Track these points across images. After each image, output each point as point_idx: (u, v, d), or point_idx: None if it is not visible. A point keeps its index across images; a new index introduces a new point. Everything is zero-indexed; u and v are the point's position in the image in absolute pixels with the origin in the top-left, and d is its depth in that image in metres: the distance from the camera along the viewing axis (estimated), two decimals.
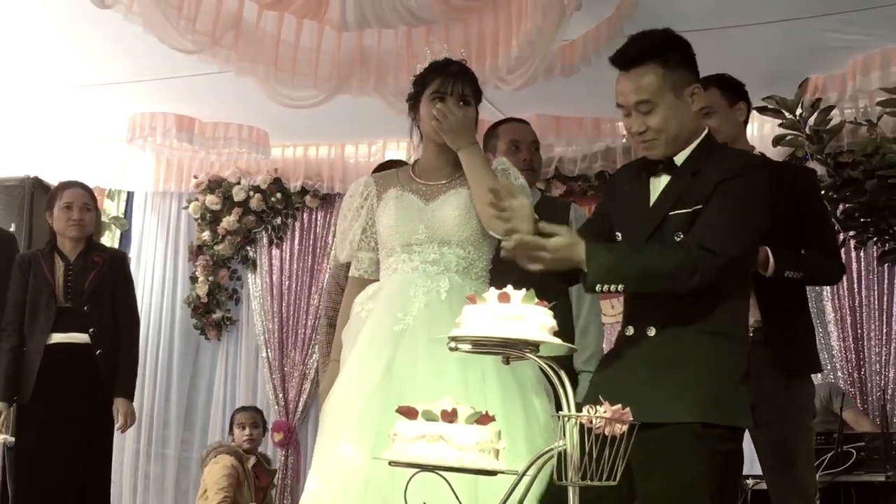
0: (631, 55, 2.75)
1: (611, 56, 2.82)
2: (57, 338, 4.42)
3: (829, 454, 4.31)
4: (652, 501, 2.61)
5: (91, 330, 4.43)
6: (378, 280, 3.14)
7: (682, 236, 2.65)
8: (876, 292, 6.15)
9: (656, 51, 2.73)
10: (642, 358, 2.66)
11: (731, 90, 3.63)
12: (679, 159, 2.77)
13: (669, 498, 2.57)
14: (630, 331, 2.71)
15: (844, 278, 6.10)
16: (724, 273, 2.64)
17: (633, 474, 2.55)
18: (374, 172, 3.50)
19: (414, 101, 3.17)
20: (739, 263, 2.73)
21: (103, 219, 6.90)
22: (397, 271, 3.04)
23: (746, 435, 3.50)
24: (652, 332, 2.67)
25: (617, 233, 2.82)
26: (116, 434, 4.59)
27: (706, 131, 2.83)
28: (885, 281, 6.09)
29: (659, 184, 2.79)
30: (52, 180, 6.39)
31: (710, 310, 2.68)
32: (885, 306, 6.12)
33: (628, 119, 2.78)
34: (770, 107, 4.05)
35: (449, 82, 3.08)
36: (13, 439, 4.77)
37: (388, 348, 2.89)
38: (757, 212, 2.73)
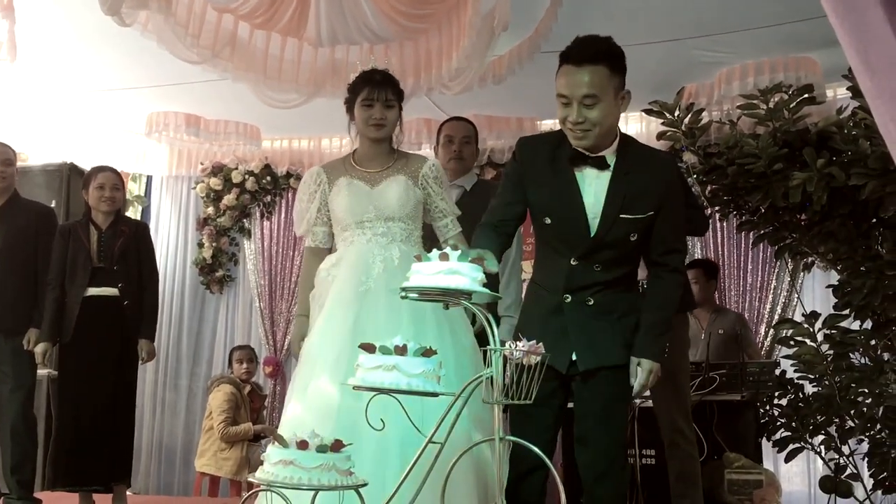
0: (587, 54, 2.54)
1: (565, 52, 2.59)
2: (92, 291, 4.35)
3: (699, 378, 4.37)
4: (590, 409, 2.65)
5: (119, 285, 4.37)
6: (329, 248, 3.19)
7: (636, 237, 2.61)
8: (735, 254, 6.26)
9: (607, 54, 2.57)
10: (584, 317, 2.66)
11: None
12: (610, 159, 2.62)
13: (605, 408, 2.64)
14: (569, 298, 2.66)
15: (711, 243, 6.22)
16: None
17: (574, 391, 2.65)
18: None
19: (349, 105, 3.18)
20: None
21: (128, 197, 6.81)
22: (353, 243, 3.06)
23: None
24: (591, 301, 2.66)
25: (546, 218, 2.67)
26: (139, 367, 4.54)
27: (619, 136, 2.67)
28: (742, 245, 6.19)
29: (587, 177, 2.62)
30: (85, 166, 6.29)
31: (626, 279, 2.72)
32: (741, 265, 6.22)
33: (567, 108, 2.55)
34: (655, 109, 4.06)
35: (375, 90, 3.09)
36: (56, 373, 4.73)
37: (355, 305, 2.92)
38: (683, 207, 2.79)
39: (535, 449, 2.21)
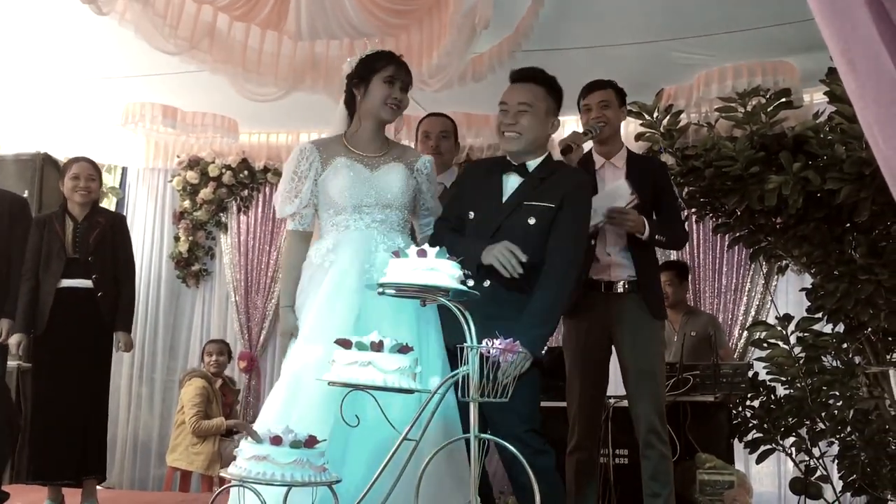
0: (528, 74, 2.98)
1: (513, 71, 3.04)
2: (66, 283, 4.29)
3: (672, 379, 4.38)
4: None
5: (94, 276, 4.31)
6: (310, 232, 3.00)
7: (533, 221, 2.84)
8: (710, 256, 6.29)
9: (545, 81, 2.98)
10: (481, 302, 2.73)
11: (622, 95, 3.66)
12: (531, 166, 2.93)
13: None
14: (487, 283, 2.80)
15: (686, 245, 6.24)
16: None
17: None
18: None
19: (359, 81, 3.00)
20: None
21: (102, 188, 6.72)
22: (349, 228, 2.90)
23: (614, 361, 3.57)
24: (487, 283, 2.78)
25: (470, 212, 2.96)
26: (113, 360, 4.48)
27: (548, 154, 3.00)
28: (717, 247, 6.22)
29: (509, 181, 2.95)
30: (59, 156, 6.22)
31: (533, 268, 2.82)
32: (716, 266, 6.25)
33: (505, 115, 2.94)
34: (634, 110, 4.07)
35: (401, 70, 3.01)
36: (29, 365, 4.66)
37: (358, 296, 2.74)
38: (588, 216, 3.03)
39: (511, 448, 2.20)
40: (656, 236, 3.42)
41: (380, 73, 2.97)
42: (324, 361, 2.44)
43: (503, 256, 2.72)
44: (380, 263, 2.72)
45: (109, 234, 4.41)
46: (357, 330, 2.58)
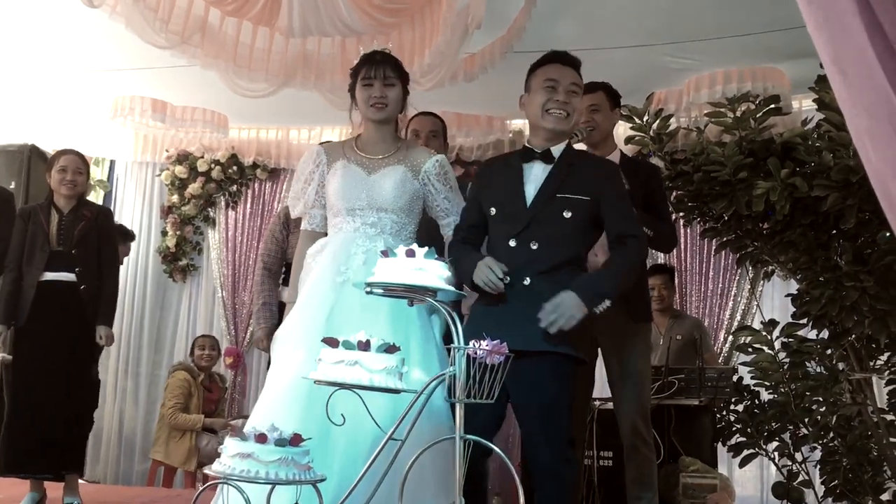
0: (574, 60, 2.90)
1: (557, 51, 2.92)
2: (49, 276, 4.26)
3: (658, 383, 4.39)
4: (530, 412, 2.62)
5: (77, 269, 4.28)
6: (325, 233, 3.05)
7: (570, 214, 2.71)
8: (697, 260, 6.31)
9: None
10: (520, 301, 2.67)
11: (614, 97, 3.66)
12: (556, 152, 2.81)
13: (543, 409, 2.60)
14: (507, 279, 2.69)
15: (673, 249, 6.26)
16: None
17: (510, 391, 2.56)
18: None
19: (352, 91, 3.07)
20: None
21: (90, 181, 6.68)
22: (341, 230, 2.94)
23: (600, 364, 3.57)
24: (527, 282, 2.68)
25: (491, 208, 2.83)
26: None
27: (568, 141, 2.90)
28: (704, 252, 6.24)
29: (533, 169, 2.81)
30: (48, 148, 6.19)
31: (572, 265, 2.73)
32: (703, 271, 6.27)
33: (554, 92, 2.81)
34: (624, 113, 4.06)
35: (373, 68, 2.99)
36: (10, 357, 4.62)
37: (331, 296, 2.81)
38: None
39: (497, 449, 2.20)
40: (644, 228, 3.42)
41: (359, 76, 3.03)
42: (295, 362, 2.65)
43: (483, 275, 2.65)
44: (356, 267, 2.81)
45: (94, 228, 4.38)
46: (327, 333, 2.57)
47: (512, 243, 2.73)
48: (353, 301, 2.75)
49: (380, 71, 2.98)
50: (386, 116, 3.01)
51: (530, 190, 2.78)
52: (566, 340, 2.63)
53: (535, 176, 2.81)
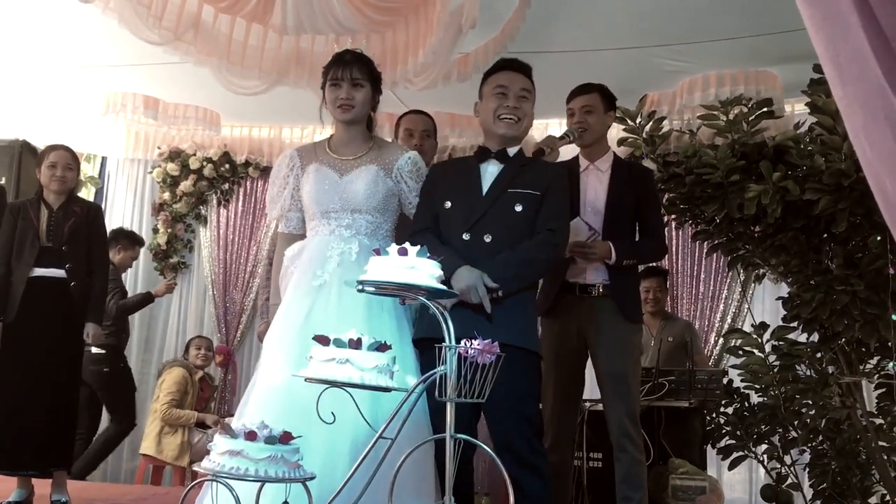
0: (523, 66, 2.99)
1: (506, 58, 3.03)
2: (38, 272, 4.24)
3: (648, 384, 4.39)
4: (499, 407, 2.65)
5: (67, 266, 4.26)
6: (303, 234, 3.06)
7: (521, 208, 2.82)
8: (689, 263, 6.32)
9: (531, 76, 3.02)
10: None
11: (610, 100, 3.65)
12: (511, 153, 2.94)
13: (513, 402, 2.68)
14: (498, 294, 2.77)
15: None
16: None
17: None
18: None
19: (323, 89, 3.07)
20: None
21: (81, 177, 6.66)
22: (317, 234, 2.96)
23: (590, 365, 3.56)
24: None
25: (446, 202, 2.90)
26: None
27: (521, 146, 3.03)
28: (696, 254, 6.25)
29: (488, 169, 2.94)
30: (39, 143, 6.16)
31: None
32: (694, 273, 6.29)
33: (504, 98, 2.91)
34: (617, 115, 4.07)
35: (341, 69, 2.98)
36: None
37: (308, 299, 2.82)
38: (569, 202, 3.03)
39: (487, 449, 2.20)
40: (624, 262, 3.42)
41: (328, 78, 3.03)
42: (276, 364, 2.69)
43: (465, 286, 2.66)
44: (332, 269, 2.84)
45: (84, 224, 4.36)
46: (306, 333, 2.61)
47: (466, 236, 2.82)
48: (329, 303, 2.79)
49: (347, 72, 2.97)
50: (352, 118, 3.00)
51: (485, 186, 2.90)
52: (525, 334, 2.74)
53: (489, 174, 2.92)
